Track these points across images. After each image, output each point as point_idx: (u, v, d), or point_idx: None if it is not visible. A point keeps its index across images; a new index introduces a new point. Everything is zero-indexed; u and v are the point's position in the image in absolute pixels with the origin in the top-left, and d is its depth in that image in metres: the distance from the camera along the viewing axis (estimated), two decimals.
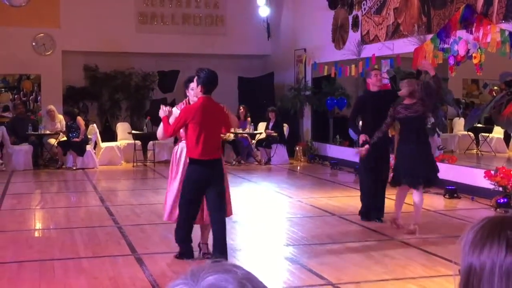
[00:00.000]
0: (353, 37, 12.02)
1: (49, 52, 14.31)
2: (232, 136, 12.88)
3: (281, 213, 8.00)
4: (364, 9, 11.71)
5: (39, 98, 14.55)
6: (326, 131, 13.84)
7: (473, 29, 8.51)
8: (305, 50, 13.97)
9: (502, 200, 7.80)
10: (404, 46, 10.14)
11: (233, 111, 7.32)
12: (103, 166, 12.65)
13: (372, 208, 7.14)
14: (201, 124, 5.23)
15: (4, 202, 8.75)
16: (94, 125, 13.31)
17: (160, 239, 6.41)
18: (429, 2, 9.78)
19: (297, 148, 13.75)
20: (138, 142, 13.10)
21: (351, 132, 12.37)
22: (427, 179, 6.44)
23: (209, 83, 5.30)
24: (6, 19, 13.35)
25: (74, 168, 12.25)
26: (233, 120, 5.79)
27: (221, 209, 5.31)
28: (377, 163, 6.99)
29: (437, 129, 9.82)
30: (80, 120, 12.65)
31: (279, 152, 13.21)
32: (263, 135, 13.38)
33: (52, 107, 13.11)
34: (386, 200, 7.24)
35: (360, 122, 7.79)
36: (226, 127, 5.66)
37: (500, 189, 8.01)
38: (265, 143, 13.20)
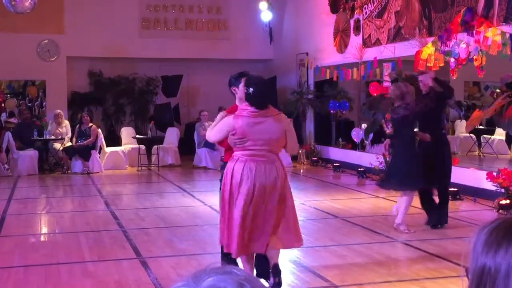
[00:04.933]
0: (355, 40, 12.07)
1: (54, 58, 14.42)
2: None
3: None
4: (366, 13, 11.77)
5: (44, 103, 14.66)
6: (328, 134, 13.89)
7: (474, 31, 8.55)
8: (307, 54, 14.03)
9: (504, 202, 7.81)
10: (406, 49, 10.19)
11: None
12: (108, 171, 12.73)
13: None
14: None
15: (10, 207, 8.82)
16: (99, 129, 13.41)
17: (165, 243, 6.46)
18: (430, 5, 9.83)
19: (300, 151, 13.79)
20: (143, 147, 13.17)
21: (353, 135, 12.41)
22: None
23: None
24: (11, 25, 13.46)
25: (86, 172, 12.35)
26: None
27: None
28: None
29: None
30: (95, 128, 12.75)
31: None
32: None
33: (60, 111, 13.30)
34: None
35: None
36: None
37: (503, 190, 8.03)
38: None
